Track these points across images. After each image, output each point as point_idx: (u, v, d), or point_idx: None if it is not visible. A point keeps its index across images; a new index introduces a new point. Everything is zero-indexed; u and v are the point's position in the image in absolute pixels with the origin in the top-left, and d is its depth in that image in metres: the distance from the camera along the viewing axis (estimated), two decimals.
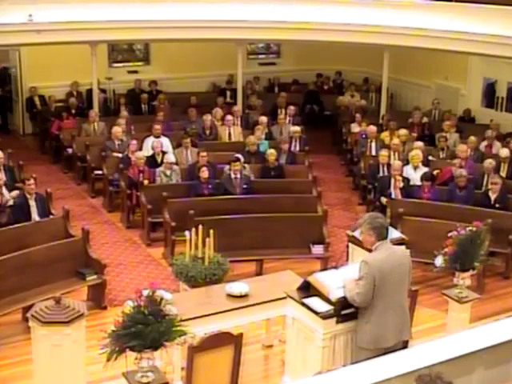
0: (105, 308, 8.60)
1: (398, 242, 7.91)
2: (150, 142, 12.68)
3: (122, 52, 17.90)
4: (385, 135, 13.83)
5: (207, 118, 14.04)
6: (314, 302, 5.91)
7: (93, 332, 6.37)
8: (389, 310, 5.66)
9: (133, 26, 13.68)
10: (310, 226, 9.87)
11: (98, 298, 8.65)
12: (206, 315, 6.71)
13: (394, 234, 8.05)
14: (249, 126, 14.52)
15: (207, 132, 13.97)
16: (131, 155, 11.92)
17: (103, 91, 16.56)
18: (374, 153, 13.23)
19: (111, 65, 17.53)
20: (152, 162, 11.86)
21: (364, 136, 13.76)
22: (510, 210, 10.32)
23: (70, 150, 13.82)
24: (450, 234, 6.86)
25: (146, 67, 17.88)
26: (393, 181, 11.10)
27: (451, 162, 11.95)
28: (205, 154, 11.42)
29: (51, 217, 9.67)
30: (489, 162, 11.32)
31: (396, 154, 12.40)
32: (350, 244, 8.04)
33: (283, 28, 14.28)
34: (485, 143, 13.32)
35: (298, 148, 13.56)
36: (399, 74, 17.27)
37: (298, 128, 13.95)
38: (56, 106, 15.81)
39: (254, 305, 7.04)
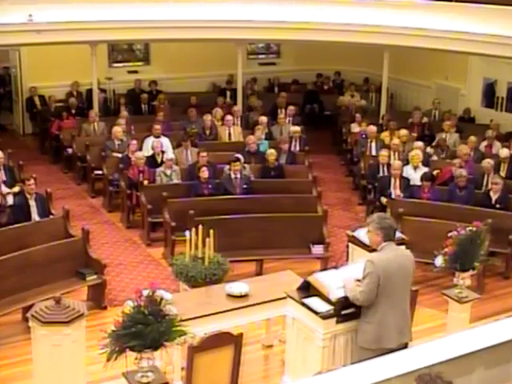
0: (105, 308, 8.60)
1: (398, 242, 7.92)
2: (149, 142, 12.69)
3: (122, 52, 17.90)
4: (385, 135, 13.83)
5: (207, 118, 14.04)
6: (314, 302, 5.91)
7: (93, 332, 6.37)
8: (391, 310, 5.66)
9: (133, 25, 13.68)
10: (310, 226, 9.87)
11: (98, 298, 8.65)
12: (205, 315, 6.71)
13: None
14: (249, 126, 14.52)
15: (207, 132, 13.97)
16: (131, 155, 11.92)
17: (103, 91, 16.56)
18: (374, 153, 13.23)
19: (111, 65, 17.53)
20: (152, 162, 11.87)
21: (364, 136, 13.77)
22: (511, 210, 10.32)
23: (70, 150, 13.82)
24: (449, 234, 6.86)
25: (146, 67, 17.88)
26: (393, 180, 11.11)
27: (451, 161, 11.95)
28: (205, 154, 11.43)
29: (51, 217, 9.67)
30: (487, 162, 11.31)
31: (396, 154, 12.40)
32: (350, 244, 8.04)
33: (283, 28, 14.28)
34: (485, 143, 13.31)
35: (298, 148, 13.56)
36: (399, 74, 17.27)
37: (297, 128, 13.95)
38: (56, 105, 15.81)
39: (253, 305, 7.04)
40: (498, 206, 10.37)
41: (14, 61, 16.41)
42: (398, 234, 8.18)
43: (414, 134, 13.92)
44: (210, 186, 10.87)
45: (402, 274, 5.72)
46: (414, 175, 11.34)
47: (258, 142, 12.79)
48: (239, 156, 11.69)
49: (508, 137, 13.81)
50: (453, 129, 14.02)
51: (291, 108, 15.47)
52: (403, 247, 7.79)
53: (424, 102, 16.56)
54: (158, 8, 13.91)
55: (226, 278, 7.92)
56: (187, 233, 7.81)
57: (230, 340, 5.90)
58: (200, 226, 7.71)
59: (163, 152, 12.12)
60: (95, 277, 8.63)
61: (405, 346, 5.69)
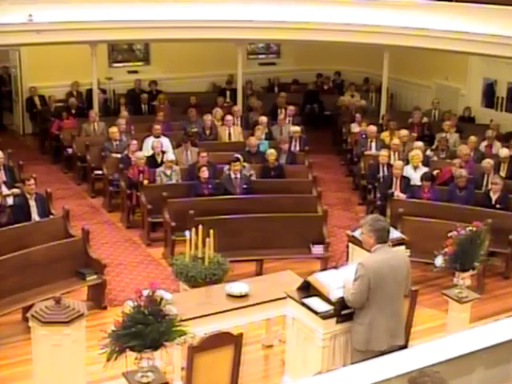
0: (105, 308, 8.60)
1: (398, 242, 7.93)
2: (150, 142, 12.68)
3: (122, 52, 17.90)
4: (385, 135, 13.83)
5: (207, 117, 14.04)
6: (314, 302, 5.92)
7: (93, 332, 6.37)
8: (382, 313, 5.64)
9: (133, 25, 13.68)
10: (310, 225, 9.87)
11: (98, 298, 8.65)
12: (205, 315, 6.71)
13: (394, 233, 8.05)
14: (249, 126, 14.52)
15: (207, 132, 13.97)
16: (131, 155, 11.92)
17: (103, 91, 16.56)
18: (373, 153, 13.22)
19: (111, 65, 17.53)
20: (152, 162, 11.86)
21: (364, 136, 13.77)
22: (511, 210, 10.31)
23: (70, 150, 13.82)
24: (449, 234, 6.86)
25: (146, 67, 17.88)
26: (394, 180, 11.12)
27: (451, 161, 11.95)
28: (205, 154, 11.43)
29: (51, 217, 9.67)
30: (487, 162, 11.31)
31: (396, 154, 12.41)
32: (350, 244, 8.05)
33: (283, 28, 14.28)
34: (485, 143, 13.31)
35: (298, 148, 13.56)
36: (399, 74, 17.27)
37: (297, 128, 13.95)
38: (56, 105, 15.82)
39: (253, 305, 7.04)
40: (497, 206, 10.37)
41: (14, 61, 16.41)
42: (398, 234, 8.24)
43: (414, 134, 13.91)
44: (210, 186, 10.87)
45: (395, 276, 5.67)
46: (414, 175, 11.34)
47: (258, 142, 12.79)
48: (239, 156, 11.69)
49: (508, 137, 13.81)
50: (453, 129, 14.02)
51: (291, 108, 15.46)
52: (402, 248, 7.83)
53: (424, 102, 16.56)
54: (158, 8, 13.91)
55: (226, 277, 7.92)
56: (187, 233, 7.81)
57: (230, 340, 5.90)
58: (200, 226, 7.71)
59: (163, 152, 12.12)
60: (95, 277, 8.63)
61: (399, 348, 5.65)
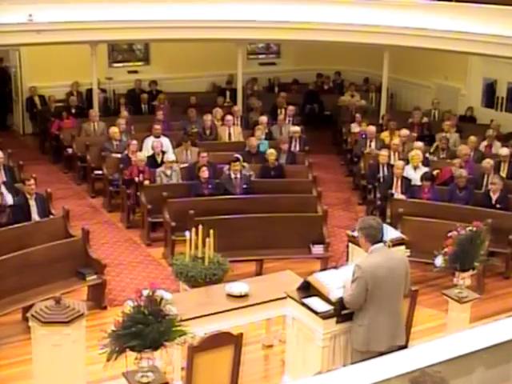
0: (105, 308, 8.60)
1: (398, 242, 7.93)
2: (150, 142, 12.68)
3: (122, 52, 17.90)
4: (385, 135, 13.83)
5: (207, 118, 14.04)
6: (314, 302, 5.91)
7: (93, 332, 6.38)
8: (382, 314, 5.63)
9: (133, 25, 13.68)
10: (310, 226, 9.87)
11: (98, 298, 8.65)
12: (205, 315, 6.71)
13: (394, 233, 8.06)
14: (249, 126, 14.52)
15: (207, 132, 13.98)
16: (131, 155, 11.92)
17: (103, 91, 16.56)
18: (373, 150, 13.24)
19: (111, 65, 17.53)
20: (152, 161, 11.86)
21: (364, 136, 13.77)
22: (511, 210, 10.31)
23: (70, 150, 13.82)
24: (449, 234, 6.86)
25: (146, 67, 17.88)
26: (395, 180, 11.12)
27: (451, 161, 11.95)
28: (205, 154, 11.43)
29: (51, 217, 9.67)
30: (487, 162, 11.30)
31: (396, 154, 12.40)
32: (350, 244, 8.05)
33: (283, 28, 14.28)
34: (485, 143, 13.30)
35: (297, 148, 13.56)
36: (399, 74, 17.27)
37: (297, 128, 13.95)
38: (56, 105, 15.82)
39: (253, 305, 7.04)
40: (498, 205, 10.37)
41: (14, 61, 16.41)
42: (398, 234, 8.24)
43: (414, 134, 13.91)
44: (210, 186, 10.87)
45: (394, 277, 5.66)
46: (414, 175, 11.34)
47: (258, 143, 12.79)
48: (239, 156, 11.69)
49: (508, 137, 13.81)
50: (453, 129, 14.02)
51: (291, 108, 15.47)
52: (402, 248, 7.83)
53: (424, 102, 16.56)
54: (158, 8, 13.91)
55: (226, 277, 7.92)
56: (187, 233, 7.81)
57: (230, 340, 5.90)
58: (200, 226, 7.71)
59: (163, 152, 12.12)
60: (95, 277, 8.63)
61: (399, 348, 5.65)
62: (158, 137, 12.75)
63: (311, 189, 11.47)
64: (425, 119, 15.14)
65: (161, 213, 10.38)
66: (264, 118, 14.14)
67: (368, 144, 13.52)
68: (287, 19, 14.14)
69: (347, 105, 16.70)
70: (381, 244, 5.72)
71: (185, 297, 7.58)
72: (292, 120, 15.16)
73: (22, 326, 7.71)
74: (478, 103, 16.38)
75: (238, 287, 7.15)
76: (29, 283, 8.09)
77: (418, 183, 11.03)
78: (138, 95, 16.61)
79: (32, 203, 9.62)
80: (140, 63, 18.01)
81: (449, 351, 4.64)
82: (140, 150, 12.40)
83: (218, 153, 12.39)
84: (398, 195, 10.97)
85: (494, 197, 10.44)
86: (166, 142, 12.78)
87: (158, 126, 12.97)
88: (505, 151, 11.99)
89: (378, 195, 11.53)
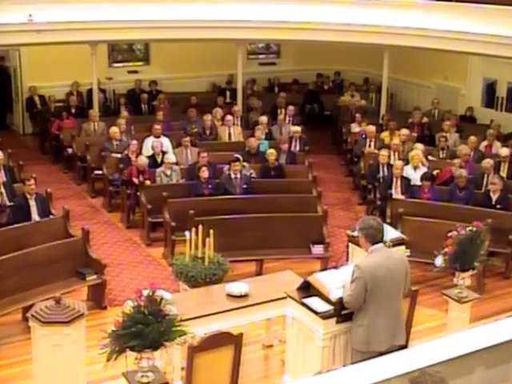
0: (105, 308, 8.60)
1: (398, 242, 7.93)
2: (150, 142, 12.68)
3: (122, 52, 17.90)
4: (385, 135, 13.83)
5: (207, 118, 14.05)
6: (314, 302, 5.91)
7: (93, 332, 6.37)
8: (382, 314, 5.63)
9: (133, 25, 13.68)
10: (310, 226, 9.87)
11: (98, 298, 8.65)
12: (205, 315, 6.72)
13: (394, 233, 8.06)
14: (249, 126, 14.52)
15: (207, 132, 13.98)
16: (131, 155, 11.92)
17: (103, 91, 16.56)
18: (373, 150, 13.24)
19: (111, 65, 17.53)
20: (152, 161, 11.86)
21: (364, 136, 13.77)
22: (511, 210, 10.31)
23: (70, 150, 13.82)
24: (449, 234, 6.86)
25: (146, 67, 17.88)
26: (394, 180, 11.12)
27: (451, 161, 11.95)
28: (205, 154, 11.43)
29: (51, 217, 9.67)
30: (487, 162, 11.30)
31: (396, 154, 12.40)
32: (350, 244, 8.05)
33: (283, 28, 14.28)
34: (485, 143, 13.30)
35: (297, 148, 13.56)
36: (399, 74, 17.27)
37: (298, 128, 13.95)
38: (56, 105, 15.82)
39: (253, 305, 7.04)
40: (498, 206, 10.37)
41: (14, 61, 16.41)
42: (398, 234, 8.24)
43: (414, 134, 13.92)
44: (210, 186, 10.87)
45: (393, 277, 5.65)
46: (414, 175, 11.34)
47: (258, 143, 12.79)
48: (239, 156, 11.69)
49: (508, 137, 13.81)
50: (453, 129, 14.02)
51: (291, 108, 15.46)
52: (402, 248, 7.83)
53: (424, 102, 16.56)
54: (158, 8, 13.91)
55: (226, 277, 7.92)
56: (187, 233, 7.82)
57: (230, 340, 5.90)
58: (200, 226, 7.71)
59: (163, 152, 12.12)
60: (95, 277, 8.63)
61: (399, 348, 5.65)
62: (158, 137, 12.74)
63: (311, 189, 11.47)
64: (425, 119, 15.13)
65: (161, 213, 10.39)
66: (264, 118, 14.14)
67: (368, 144, 13.52)
68: (287, 19, 14.14)
69: (347, 105, 16.70)
70: (381, 244, 5.71)
71: (185, 297, 7.58)
72: (292, 120, 15.16)
73: (21, 326, 7.71)
74: (478, 103, 16.38)
75: (237, 287, 7.15)
76: (29, 283, 8.09)
77: (418, 183, 11.03)
78: (138, 95, 16.61)
79: (32, 203, 9.63)
80: (140, 63, 18.01)
81: (449, 351, 4.64)
82: (140, 150, 12.40)
83: (218, 153, 12.40)
84: (398, 195, 10.97)
85: (494, 197, 10.44)
86: (166, 142, 12.78)
87: (158, 126, 12.97)
88: (505, 151, 11.99)
89: (378, 195, 11.53)
